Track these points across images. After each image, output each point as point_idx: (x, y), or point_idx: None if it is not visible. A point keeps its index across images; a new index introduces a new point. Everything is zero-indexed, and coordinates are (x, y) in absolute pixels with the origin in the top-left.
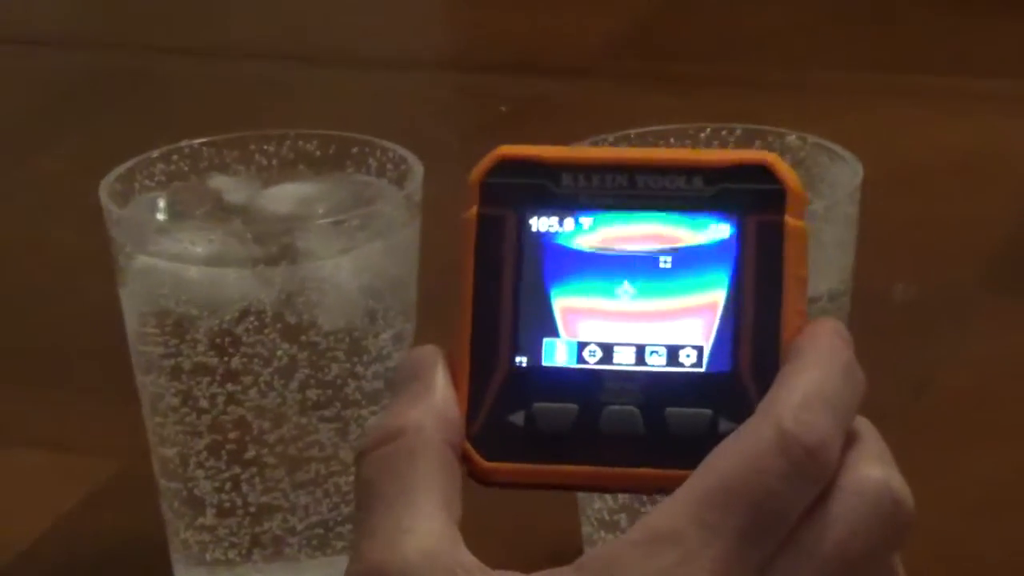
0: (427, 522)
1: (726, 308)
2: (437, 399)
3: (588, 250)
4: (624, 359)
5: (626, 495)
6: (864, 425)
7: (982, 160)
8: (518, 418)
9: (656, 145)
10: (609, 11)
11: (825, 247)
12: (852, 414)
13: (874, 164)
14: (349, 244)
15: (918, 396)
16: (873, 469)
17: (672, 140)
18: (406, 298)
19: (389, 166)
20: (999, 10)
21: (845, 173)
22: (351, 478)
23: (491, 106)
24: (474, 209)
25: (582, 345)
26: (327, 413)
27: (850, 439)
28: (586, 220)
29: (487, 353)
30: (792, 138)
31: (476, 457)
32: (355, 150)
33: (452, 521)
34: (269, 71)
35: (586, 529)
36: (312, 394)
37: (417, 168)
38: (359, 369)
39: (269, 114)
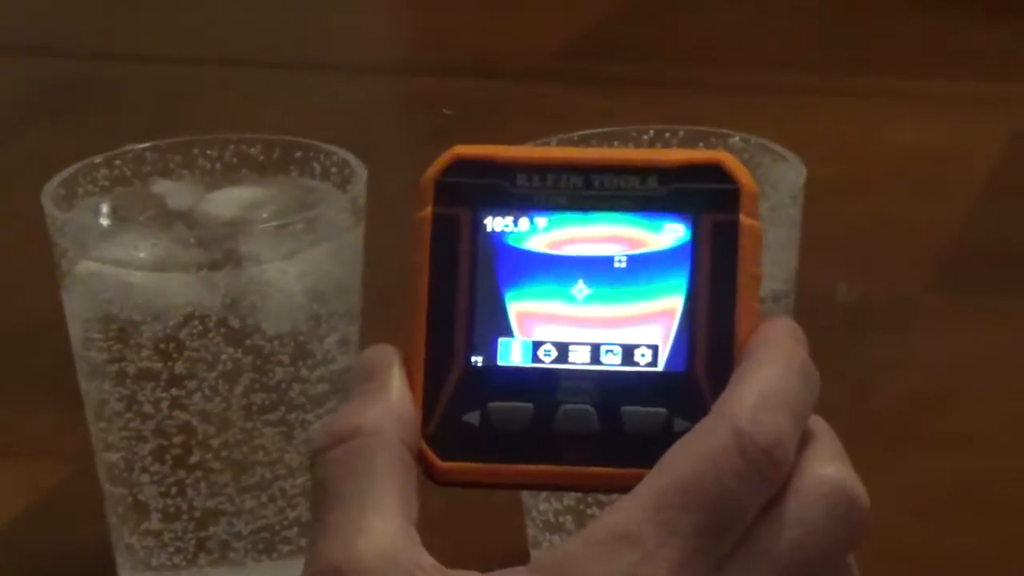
0: (384, 522)
1: (681, 307)
2: (393, 399)
3: (543, 251)
4: (579, 358)
5: (572, 496)
6: (819, 425)
7: (926, 162)
8: (473, 418)
9: (600, 147)
10: (560, 14)
11: (768, 248)
12: (807, 413)
13: (818, 165)
14: (293, 248)
15: (862, 397)
16: (828, 469)
17: (616, 142)
18: (351, 302)
19: (333, 170)
20: (944, 12)
21: (788, 174)
22: (297, 482)
23: (440, 109)
24: (428, 208)
25: (537, 344)
26: (272, 417)
27: (805, 438)
28: (541, 220)
29: (442, 353)
30: (735, 139)
31: (432, 457)
32: (299, 154)
33: (409, 521)
34: (217, 76)
35: (531, 531)
36: (257, 398)
37: (361, 171)
38: (304, 373)
39: (217, 118)
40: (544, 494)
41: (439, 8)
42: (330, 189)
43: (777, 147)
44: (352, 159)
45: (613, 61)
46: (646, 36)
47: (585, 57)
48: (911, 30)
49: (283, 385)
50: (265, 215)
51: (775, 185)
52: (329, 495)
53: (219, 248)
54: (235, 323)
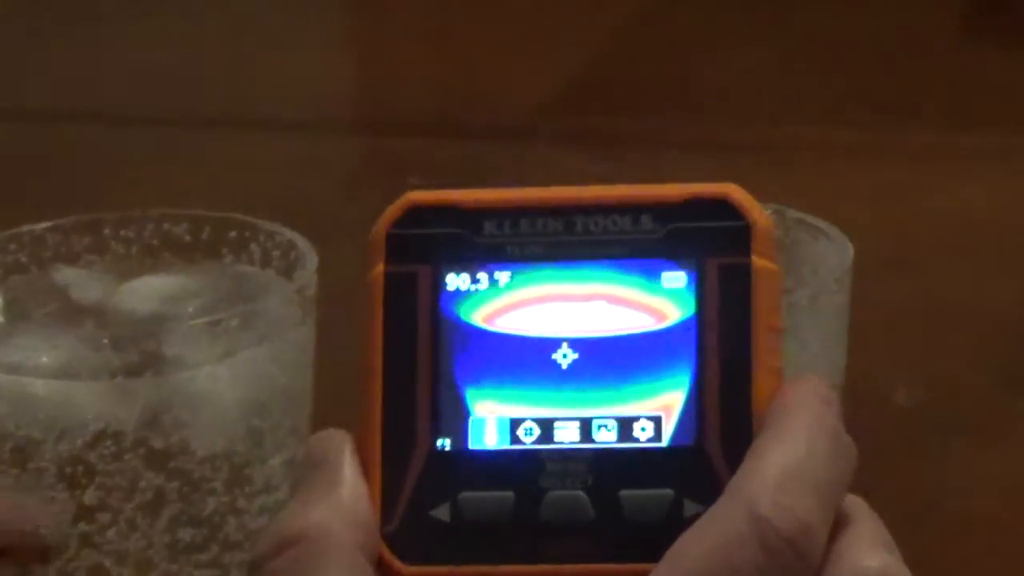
0: None
1: (687, 370)
2: (345, 494)
3: (519, 311)
4: (567, 436)
5: None
6: (857, 506)
7: (986, 229)
8: (443, 512)
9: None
10: (541, 62)
11: (809, 344)
12: (841, 492)
13: (857, 240)
14: (228, 349)
15: (923, 523)
16: (869, 558)
17: None
18: (299, 414)
19: (276, 253)
20: (994, 53)
21: (831, 254)
22: None
23: (403, 176)
24: (380, 266)
25: (516, 422)
26: (203, 557)
27: (840, 523)
28: (515, 275)
29: (402, 436)
30: (766, 212)
31: (394, 562)
32: (233, 234)
33: None
34: (134, 136)
35: None
36: (184, 534)
37: (310, 256)
38: (241, 503)
39: (133, 189)
40: None
41: (396, 57)
42: (272, 277)
43: (817, 221)
44: (299, 240)
45: (603, 116)
46: (641, 87)
47: (570, 112)
48: (962, 73)
49: (216, 518)
50: (192, 309)
51: (816, 268)
52: None
53: (137, 350)
54: (157, 442)
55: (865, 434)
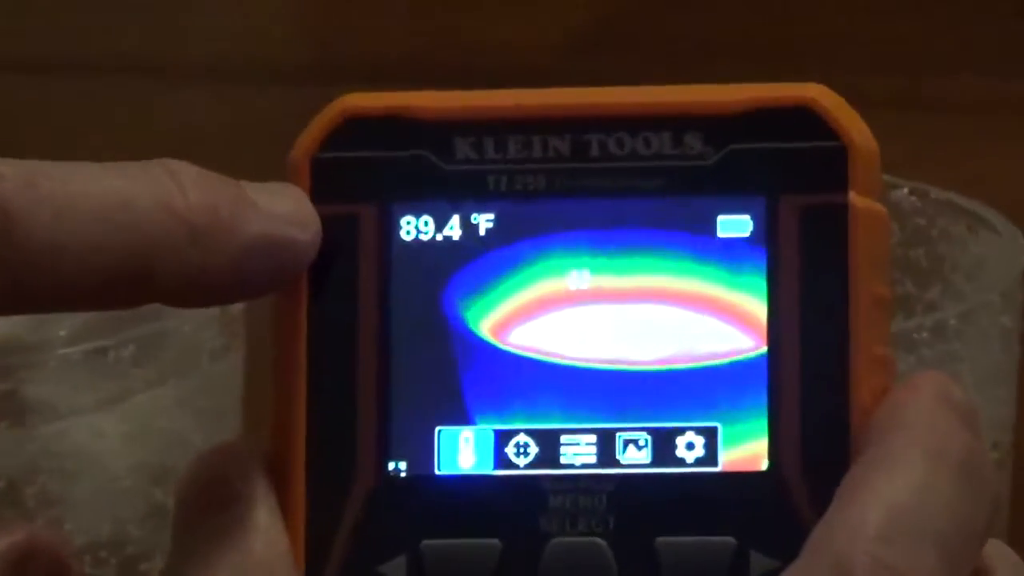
0: None
1: (755, 362)
2: (257, 547)
3: (505, 273)
4: (579, 457)
5: None
6: (1000, 554)
7: None
8: (396, 569)
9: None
10: None
11: (963, 381)
12: (974, 546)
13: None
14: (117, 391)
15: None
16: None
17: None
18: None
19: None
20: None
21: (996, 254)
22: None
23: None
24: None
25: (504, 435)
26: None
27: None
28: (501, 219)
29: (338, 457)
30: (902, 191)
31: None
32: None
33: None
34: (46, 86)
35: None
36: None
37: None
38: None
39: (20, 148)
40: None
41: None
42: None
43: (976, 206)
44: None
45: (637, 56)
46: (704, 21)
47: (593, 52)
48: None
49: None
50: (65, 332)
51: (972, 274)
52: None
53: None
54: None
55: None
